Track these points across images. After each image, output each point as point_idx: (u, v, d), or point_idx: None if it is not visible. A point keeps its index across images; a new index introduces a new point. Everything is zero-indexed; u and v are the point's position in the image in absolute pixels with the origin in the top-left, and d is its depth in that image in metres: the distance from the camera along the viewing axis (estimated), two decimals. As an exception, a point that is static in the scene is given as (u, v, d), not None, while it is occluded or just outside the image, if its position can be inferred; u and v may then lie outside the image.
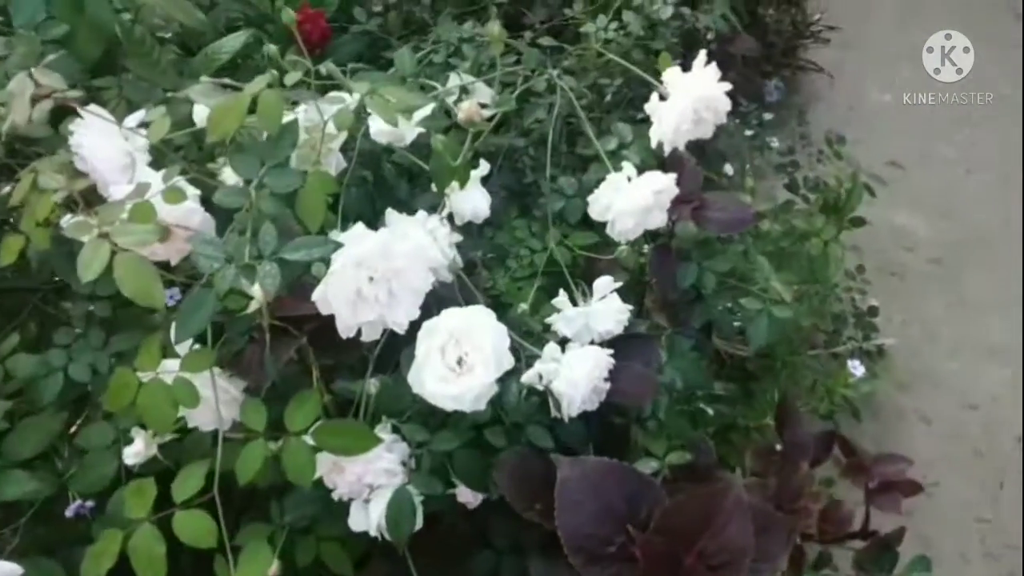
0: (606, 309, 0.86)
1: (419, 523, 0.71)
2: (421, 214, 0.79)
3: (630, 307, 0.88)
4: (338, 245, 0.62)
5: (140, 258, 0.62)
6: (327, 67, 0.75)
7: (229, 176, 0.75)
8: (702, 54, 0.79)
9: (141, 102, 0.82)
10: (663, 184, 0.79)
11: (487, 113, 0.75)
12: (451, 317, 0.70)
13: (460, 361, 0.69)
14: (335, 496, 0.70)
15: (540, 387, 0.77)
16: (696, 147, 0.89)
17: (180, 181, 0.66)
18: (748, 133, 1.27)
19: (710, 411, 1.01)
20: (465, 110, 0.68)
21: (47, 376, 0.73)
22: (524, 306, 0.86)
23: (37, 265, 0.76)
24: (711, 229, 0.93)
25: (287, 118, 0.69)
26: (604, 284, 0.87)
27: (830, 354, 1.26)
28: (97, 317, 0.76)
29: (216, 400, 0.65)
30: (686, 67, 0.79)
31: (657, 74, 0.82)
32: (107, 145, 0.72)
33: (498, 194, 0.94)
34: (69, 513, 0.72)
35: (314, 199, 0.66)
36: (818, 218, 1.06)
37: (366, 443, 0.68)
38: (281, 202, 0.65)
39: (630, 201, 0.78)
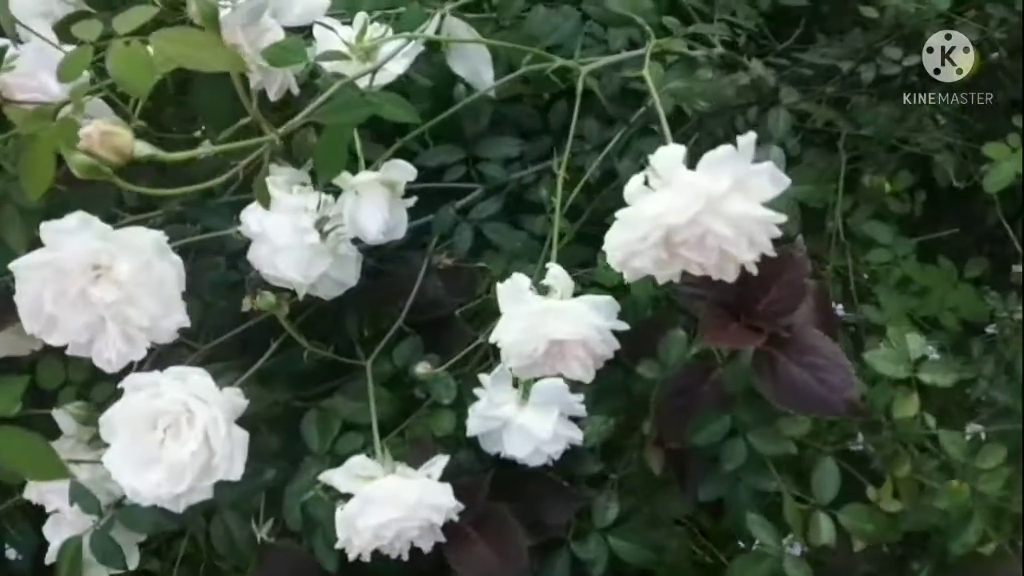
0: (530, 426, 0.57)
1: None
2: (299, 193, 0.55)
3: (577, 436, 0.57)
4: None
5: None
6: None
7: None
8: (750, 136, 0.38)
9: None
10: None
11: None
12: (170, 387, 0.49)
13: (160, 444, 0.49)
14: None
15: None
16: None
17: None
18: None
19: None
20: (85, 135, 0.39)
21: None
22: (425, 366, 0.60)
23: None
24: (772, 396, 0.53)
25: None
26: (548, 388, 0.56)
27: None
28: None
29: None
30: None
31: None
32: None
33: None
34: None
35: (40, 156, 0.47)
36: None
37: (47, 471, 0.53)
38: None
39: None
